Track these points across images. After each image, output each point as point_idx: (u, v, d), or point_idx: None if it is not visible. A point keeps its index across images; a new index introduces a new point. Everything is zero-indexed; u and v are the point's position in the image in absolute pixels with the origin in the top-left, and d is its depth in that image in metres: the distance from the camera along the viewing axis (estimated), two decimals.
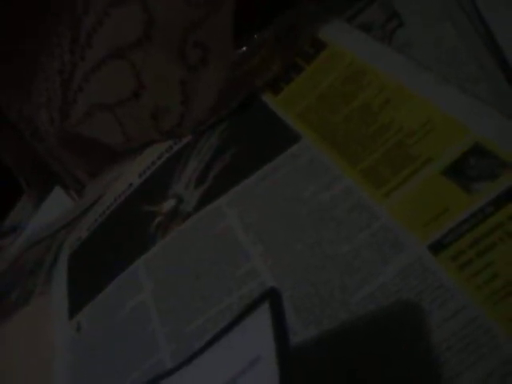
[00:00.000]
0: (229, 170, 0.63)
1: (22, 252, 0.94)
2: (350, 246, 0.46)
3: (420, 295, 0.40)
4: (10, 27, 0.78)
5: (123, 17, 0.68)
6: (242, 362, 0.36)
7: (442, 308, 0.39)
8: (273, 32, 0.70)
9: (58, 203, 0.99)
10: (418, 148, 0.49)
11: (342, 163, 0.53)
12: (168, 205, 0.66)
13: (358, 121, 0.56)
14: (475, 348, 0.36)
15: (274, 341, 0.34)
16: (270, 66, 0.69)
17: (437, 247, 0.42)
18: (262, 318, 0.36)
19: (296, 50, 0.68)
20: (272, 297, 0.37)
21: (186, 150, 0.72)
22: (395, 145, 0.51)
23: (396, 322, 0.41)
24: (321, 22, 0.68)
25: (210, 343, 0.40)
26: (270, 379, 0.33)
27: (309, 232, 0.50)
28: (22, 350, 0.71)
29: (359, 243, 0.46)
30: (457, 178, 0.45)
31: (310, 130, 0.59)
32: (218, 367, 0.39)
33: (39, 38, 0.77)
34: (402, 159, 0.49)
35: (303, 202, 0.53)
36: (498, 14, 0.54)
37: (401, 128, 0.51)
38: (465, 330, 0.37)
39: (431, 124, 0.50)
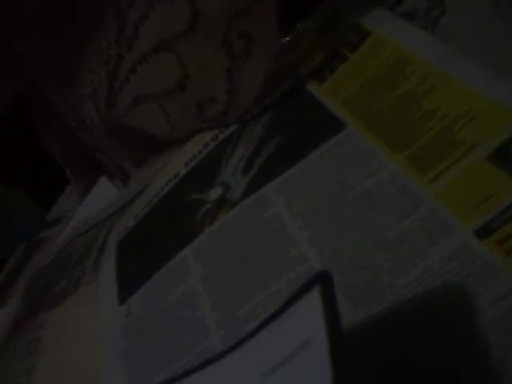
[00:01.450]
0: (275, 157, 0.64)
1: (69, 242, 0.96)
2: (397, 231, 0.47)
3: (466, 278, 0.41)
4: (56, 22, 0.79)
5: (169, 9, 0.69)
6: (292, 344, 0.36)
7: (489, 291, 0.39)
8: (316, 21, 0.71)
9: (103, 193, 1.00)
10: (463, 134, 0.49)
11: (386, 150, 0.54)
12: (215, 193, 0.67)
13: (402, 108, 0.56)
14: None
15: (325, 324, 0.34)
16: (313, 55, 0.69)
17: (483, 232, 0.42)
18: (314, 300, 0.36)
19: (339, 39, 0.69)
20: (323, 280, 0.37)
21: (232, 139, 0.73)
22: (440, 131, 0.51)
23: (442, 304, 0.41)
24: (364, 11, 0.68)
25: (261, 326, 0.40)
26: (321, 362, 0.33)
27: (355, 217, 0.51)
28: (71, 337, 0.72)
29: (406, 228, 0.46)
30: (502, 163, 0.45)
31: (354, 117, 0.60)
32: (268, 350, 0.39)
33: (85, 30, 0.79)
34: (447, 145, 0.50)
35: (349, 188, 0.53)
36: None
37: (445, 115, 0.52)
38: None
39: (475, 110, 0.50)
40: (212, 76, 0.70)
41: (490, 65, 0.52)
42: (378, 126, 0.57)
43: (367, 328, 0.43)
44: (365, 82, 0.62)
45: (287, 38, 0.71)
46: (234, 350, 0.42)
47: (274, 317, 0.40)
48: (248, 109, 0.71)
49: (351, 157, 0.56)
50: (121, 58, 0.76)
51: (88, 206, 1.04)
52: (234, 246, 0.59)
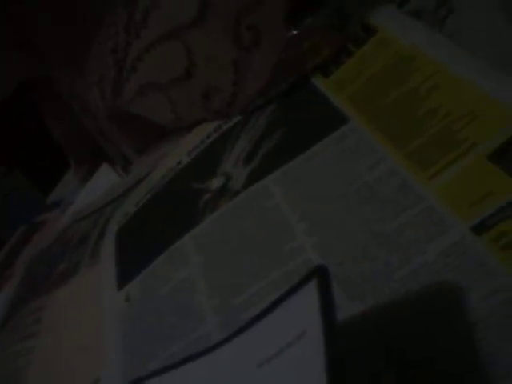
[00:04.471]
0: (277, 149, 0.65)
1: (69, 226, 0.96)
2: (395, 225, 0.47)
3: (461, 274, 0.41)
4: (64, 6, 0.80)
5: None
6: (288, 336, 0.37)
7: (482, 286, 0.40)
8: (324, 17, 0.71)
9: (105, 179, 1.01)
10: (465, 133, 0.50)
11: (388, 145, 0.54)
12: (217, 182, 0.68)
13: (405, 105, 0.57)
14: None
15: (321, 317, 0.35)
16: (320, 50, 0.70)
17: (480, 228, 0.43)
18: (310, 294, 0.37)
19: (347, 35, 0.69)
20: (320, 274, 0.38)
21: (235, 130, 0.73)
22: (442, 129, 0.52)
23: (437, 299, 0.42)
24: (372, 8, 0.69)
25: (257, 317, 0.41)
26: (315, 353, 0.33)
27: (354, 211, 0.51)
28: (70, 318, 0.73)
29: (404, 222, 0.47)
30: (501, 162, 0.46)
31: (357, 112, 0.60)
32: (264, 341, 0.40)
33: (94, 16, 0.79)
34: (449, 143, 0.50)
35: (349, 182, 0.54)
36: None
37: (448, 113, 0.52)
38: (504, 308, 0.38)
39: (478, 110, 0.51)
40: (219, 66, 0.71)
41: (496, 65, 0.53)
42: (381, 121, 0.57)
43: (363, 320, 0.44)
44: (370, 77, 0.63)
45: (295, 32, 0.71)
46: (229, 340, 0.43)
47: (270, 308, 0.40)
48: (253, 100, 0.72)
49: (353, 151, 0.57)
50: (129, 45, 0.76)
51: (89, 191, 1.04)
52: (234, 236, 0.60)
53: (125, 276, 0.69)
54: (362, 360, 0.40)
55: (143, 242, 0.72)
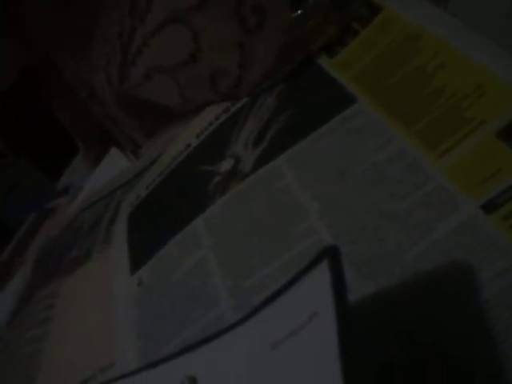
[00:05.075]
0: (285, 130, 0.65)
1: (80, 212, 0.96)
2: (405, 205, 0.47)
3: (471, 253, 0.42)
4: None
5: None
6: (300, 317, 0.37)
7: (492, 265, 0.40)
8: None
9: (114, 164, 1.01)
10: (472, 111, 0.50)
11: (396, 125, 0.54)
12: (226, 164, 0.68)
13: (412, 84, 0.57)
14: None
15: (332, 297, 0.35)
16: (325, 29, 0.69)
17: (489, 207, 0.43)
18: (322, 274, 0.37)
19: (351, 13, 0.69)
20: (331, 254, 0.38)
21: (243, 112, 0.73)
22: (449, 107, 0.52)
23: (447, 278, 0.42)
24: None
25: (269, 299, 0.41)
26: (328, 333, 0.34)
27: (364, 190, 0.52)
28: (83, 304, 0.73)
29: (414, 202, 0.47)
30: (510, 140, 0.46)
31: (364, 92, 0.60)
32: (276, 322, 0.40)
33: (97, 2, 0.79)
34: (456, 121, 0.50)
35: (358, 162, 0.54)
36: None
37: (455, 91, 0.52)
38: None
39: (485, 87, 0.51)
40: (224, 49, 0.71)
41: (501, 42, 0.53)
42: (388, 100, 0.57)
43: (374, 301, 0.44)
44: (376, 56, 0.63)
45: (299, 12, 0.71)
46: (242, 322, 0.43)
47: (282, 290, 0.40)
48: (260, 82, 0.72)
49: (361, 131, 0.57)
50: (134, 29, 0.76)
51: (98, 176, 1.04)
52: (245, 217, 0.60)
53: (137, 260, 0.70)
54: (372, 342, 0.40)
55: (155, 225, 0.72)
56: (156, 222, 0.73)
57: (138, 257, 0.70)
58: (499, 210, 0.43)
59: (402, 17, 0.63)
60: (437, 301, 0.41)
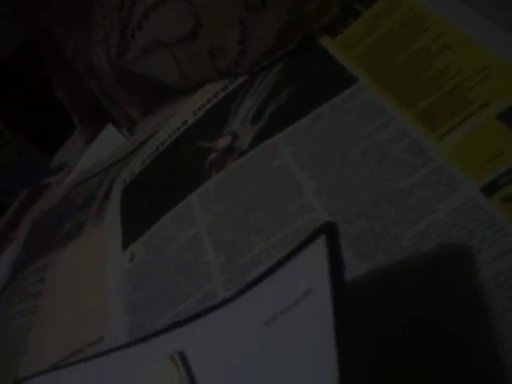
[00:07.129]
0: (285, 108, 0.64)
1: (74, 186, 0.96)
2: (405, 185, 0.47)
3: (471, 234, 0.41)
4: None
5: None
6: (295, 293, 0.37)
7: (492, 247, 0.40)
8: None
9: (109, 140, 1.00)
10: (475, 92, 0.49)
11: (397, 105, 0.54)
12: (223, 141, 0.67)
13: (415, 65, 0.56)
14: None
15: (329, 274, 0.34)
16: (327, 9, 0.69)
17: (489, 188, 0.43)
18: (318, 251, 0.37)
19: None
20: (329, 230, 0.37)
21: (241, 89, 0.73)
22: (452, 89, 0.51)
23: (447, 259, 0.42)
24: None
25: (264, 275, 0.41)
26: (323, 310, 0.33)
27: (364, 170, 0.51)
28: (74, 277, 0.73)
29: (414, 182, 0.47)
30: (511, 122, 0.46)
31: (366, 72, 0.60)
32: (271, 298, 0.39)
33: None
34: (458, 103, 0.50)
35: (358, 141, 0.54)
36: None
37: (458, 72, 0.52)
38: None
39: (488, 69, 0.50)
40: (225, 25, 0.70)
41: (506, 25, 0.52)
42: (390, 81, 0.57)
43: (371, 279, 0.44)
44: (379, 37, 0.62)
45: None
46: (236, 297, 0.42)
47: (277, 266, 0.40)
48: (259, 60, 0.71)
49: (362, 111, 0.56)
50: (133, 3, 0.75)
51: (94, 153, 1.04)
52: (241, 194, 0.60)
53: (130, 235, 0.69)
54: (369, 320, 0.39)
55: (148, 201, 0.72)
56: (149, 198, 0.72)
57: (131, 232, 0.70)
58: (499, 192, 0.42)
59: None
60: (435, 281, 0.41)
